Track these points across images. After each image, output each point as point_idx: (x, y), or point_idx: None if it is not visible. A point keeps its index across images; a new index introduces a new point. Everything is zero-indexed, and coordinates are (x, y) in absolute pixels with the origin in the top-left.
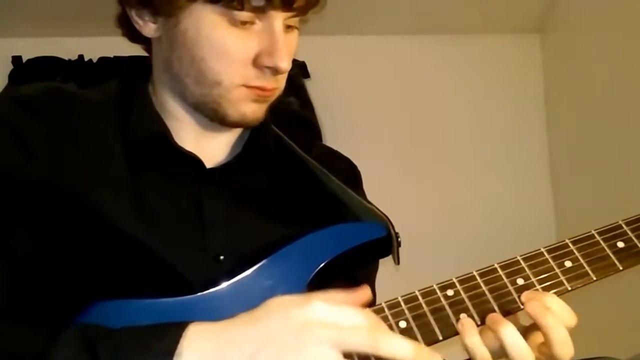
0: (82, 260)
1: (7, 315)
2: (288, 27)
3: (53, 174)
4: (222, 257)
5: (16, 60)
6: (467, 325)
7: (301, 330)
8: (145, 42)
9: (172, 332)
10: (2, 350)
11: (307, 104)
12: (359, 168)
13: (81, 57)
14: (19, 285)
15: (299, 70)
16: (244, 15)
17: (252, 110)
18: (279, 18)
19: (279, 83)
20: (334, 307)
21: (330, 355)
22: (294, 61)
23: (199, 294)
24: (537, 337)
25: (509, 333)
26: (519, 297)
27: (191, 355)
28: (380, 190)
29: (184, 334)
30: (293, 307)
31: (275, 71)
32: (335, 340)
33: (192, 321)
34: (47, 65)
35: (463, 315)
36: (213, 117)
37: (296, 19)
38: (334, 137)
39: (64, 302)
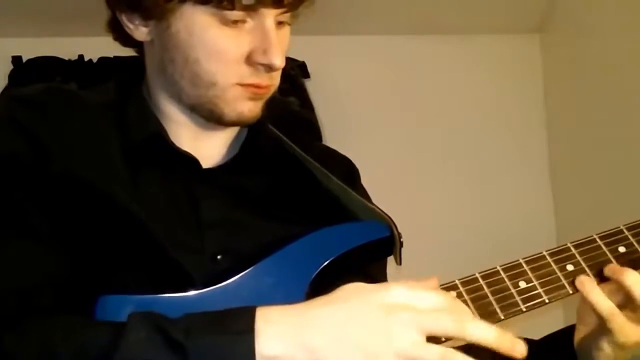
0: (87, 253)
1: (52, 307)
2: (279, 24)
3: (66, 167)
4: (219, 257)
5: (16, 60)
6: (586, 282)
7: (387, 312)
8: (137, 45)
9: (243, 313)
10: (69, 341)
11: (307, 104)
12: (359, 168)
13: (81, 57)
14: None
15: (299, 70)
16: (235, 14)
17: (249, 108)
18: (270, 15)
19: (274, 80)
20: (413, 291)
21: (417, 339)
22: (294, 61)
23: (200, 290)
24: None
25: (631, 277)
26: (521, 300)
27: (271, 333)
28: (379, 190)
29: (255, 315)
30: (372, 290)
31: (269, 68)
32: (420, 323)
33: (255, 305)
34: (47, 65)
35: (580, 276)
36: (210, 117)
37: (287, 15)
38: (334, 137)
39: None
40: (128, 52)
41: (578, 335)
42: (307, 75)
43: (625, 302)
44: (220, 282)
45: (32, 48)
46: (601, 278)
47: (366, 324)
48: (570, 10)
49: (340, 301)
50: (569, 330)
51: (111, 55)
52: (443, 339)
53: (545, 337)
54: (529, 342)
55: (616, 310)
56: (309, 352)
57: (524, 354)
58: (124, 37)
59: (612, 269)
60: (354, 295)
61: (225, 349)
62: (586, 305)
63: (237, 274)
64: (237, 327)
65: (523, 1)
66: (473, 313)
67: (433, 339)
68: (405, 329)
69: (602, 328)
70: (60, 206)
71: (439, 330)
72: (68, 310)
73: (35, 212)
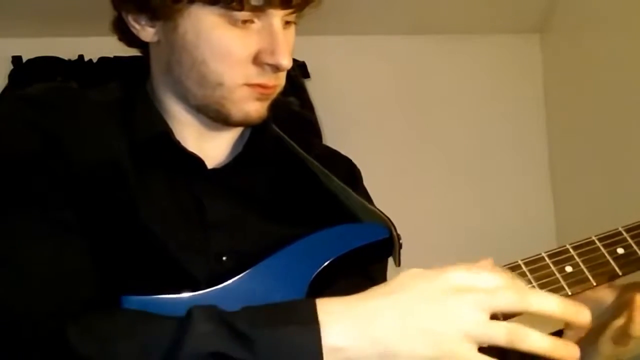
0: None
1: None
2: (286, 23)
3: (76, 164)
4: (224, 258)
5: (16, 60)
6: None
7: (448, 296)
8: (143, 46)
9: (304, 305)
10: (135, 333)
11: (307, 104)
12: (359, 168)
13: (81, 57)
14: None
15: (299, 70)
16: (243, 14)
17: (255, 108)
18: (277, 16)
19: (280, 80)
20: (471, 272)
21: (482, 318)
22: (294, 61)
23: (202, 292)
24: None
25: None
26: None
27: (335, 324)
28: (379, 191)
29: (315, 306)
30: (432, 276)
31: (276, 69)
32: (484, 302)
33: (311, 298)
34: (47, 65)
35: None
36: (216, 117)
37: (294, 15)
38: (334, 137)
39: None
40: (128, 52)
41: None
42: (307, 75)
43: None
44: (223, 283)
45: (32, 48)
46: (604, 280)
47: (429, 310)
48: (570, 10)
49: (401, 289)
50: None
51: (111, 55)
52: (501, 318)
53: None
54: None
55: None
56: (375, 343)
57: (588, 320)
58: (129, 38)
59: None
60: (414, 282)
61: (292, 339)
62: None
63: (239, 275)
64: (302, 318)
65: (523, 1)
66: None
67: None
68: (469, 310)
69: (589, 338)
70: (80, 201)
71: (503, 306)
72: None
73: (64, 206)
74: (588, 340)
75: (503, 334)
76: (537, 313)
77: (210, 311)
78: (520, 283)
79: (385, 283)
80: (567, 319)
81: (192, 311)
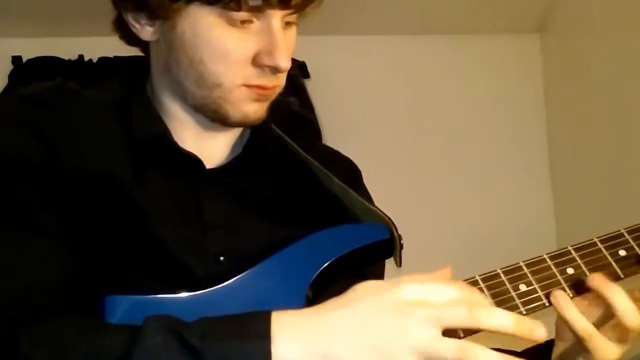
0: (93, 252)
1: (63, 307)
2: (286, 24)
3: (76, 164)
4: (222, 258)
5: (16, 60)
6: (561, 297)
7: (398, 311)
8: (143, 44)
9: (258, 318)
10: (84, 344)
11: (307, 104)
12: (359, 168)
13: (81, 57)
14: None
15: (299, 70)
16: (242, 15)
17: (254, 109)
18: (277, 16)
19: (279, 81)
20: (425, 285)
21: (432, 334)
22: (294, 61)
23: (201, 292)
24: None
25: (618, 295)
26: (521, 303)
27: (287, 339)
28: (379, 191)
29: (270, 319)
30: (384, 290)
31: (275, 70)
32: (433, 317)
33: (269, 309)
34: (47, 65)
35: (556, 290)
36: (214, 118)
37: (294, 15)
38: (334, 137)
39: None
40: (128, 52)
41: (556, 351)
42: (307, 75)
43: (605, 317)
44: (222, 283)
45: (32, 48)
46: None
47: (380, 325)
48: (570, 10)
49: (353, 303)
50: (549, 345)
51: (111, 55)
52: (461, 334)
53: (526, 349)
54: (510, 353)
55: (593, 330)
56: (324, 358)
57: (544, 336)
58: (129, 37)
59: (596, 280)
60: (366, 296)
61: (241, 353)
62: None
63: (239, 275)
64: (254, 332)
65: (523, 1)
66: None
67: (451, 334)
68: (420, 325)
69: (580, 345)
70: (70, 204)
71: (453, 322)
72: (77, 310)
73: (46, 211)
74: (576, 350)
75: (452, 351)
76: (489, 329)
77: (164, 322)
78: (477, 298)
79: (341, 295)
80: (521, 336)
81: (145, 321)
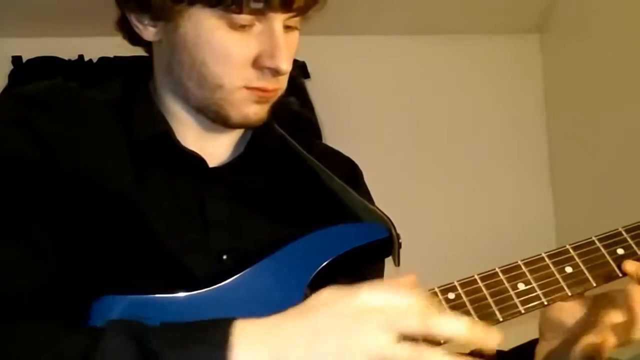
0: (92, 252)
1: (36, 311)
2: (288, 28)
3: (71, 166)
4: (225, 257)
5: (16, 60)
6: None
7: (353, 317)
8: (146, 45)
9: (220, 326)
10: (47, 346)
11: (307, 104)
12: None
13: (81, 57)
14: (43, 279)
15: (299, 70)
16: (243, 18)
17: (255, 111)
18: (278, 19)
19: (280, 83)
20: (382, 293)
21: (386, 340)
22: (294, 61)
23: (200, 291)
24: (612, 318)
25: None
26: (520, 302)
27: (245, 349)
28: (379, 191)
29: (232, 328)
30: (341, 296)
31: (276, 72)
32: (388, 324)
33: (234, 317)
34: (47, 65)
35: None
36: (216, 119)
37: (296, 19)
38: (334, 137)
39: (73, 297)
40: (128, 52)
41: (542, 350)
42: (307, 75)
43: (594, 321)
44: (222, 282)
45: (32, 48)
46: (604, 280)
47: (335, 331)
48: (570, 10)
49: (311, 310)
50: (533, 344)
51: (111, 55)
52: (442, 341)
53: (512, 348)
54: (498, 353)
55: None
56: None
57: (497, 343)
58: (132, 37)
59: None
60: (324, 303)
61: None
62: (547, 321)
63: (239, 274)
64: (213, 340)
65: (523, 1)
66: (471, 315)
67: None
68: (374, 331)
69: (567, 344)
70: (67, 207)
71: (407, 328)
72: (64, 314)
73: (35, 215)
74: (560, 353)
75: (407, 356)
76: (443, 337)
77: (126, 326)
78: (429, 305)
79: (301, 304)
80: (475, 342)
81: (107, 325)
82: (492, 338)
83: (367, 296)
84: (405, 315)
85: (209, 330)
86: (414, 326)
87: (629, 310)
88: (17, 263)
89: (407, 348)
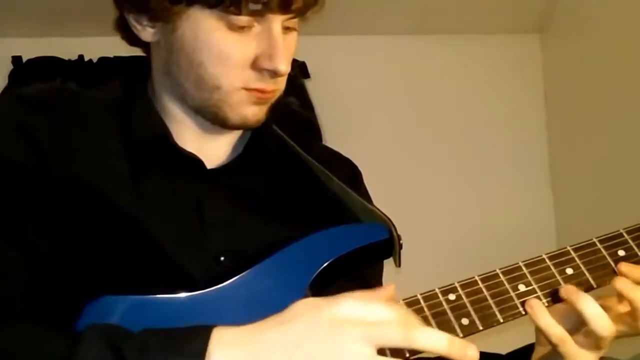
0: (89, 254)
1: (23, 314)
2: (287, 29)
3: (65, 169)
4: (222, 258)
5: (16, 60)
6: (536, 306)
7: (334, 328)
8: (144, 45)
9: (198, 334)
10: (26, 350)
11: (307, 104)
12: (359, 168)
13: (81, 57)
14: (34, 282)
15: (299, 70)
16: (242, 19)
17: (253, 112)
18: (277, 21)
19: (279, 85)
20: (363, 304)
21: (366, 352)
22: (294, 61)
23: (199, 292)
24: (617, 308)
25: (588, 304)
26: (520, 303)
27: (222, 356)
28: (379, 191)
29: (210, 336)
30: (321, 307)
31: (274, 74)
32: (369, 336)
33: (214, 325)
34: (47, 65)
35: (531, 299)
36: (214, 120)
37: (295, 20)
38: (334, 137)
39: (70, 298)
40: (128, 52)
41: (535, 356)
42: (307, 75)
43: (579, 324)
44: (220, 284)
45: (32, 48)
46: (605, 282)
47: (315, 341)
48: (570, 10)
49: (290, 321)
50: (530, 348)
51: (111, 55)
52: (407, 355)
53: (508, 353)
54: (493, 356)
55: (566, 337)
56: None
57: (476, 358)
58: (130, 37)
59: (567, 290)
60: (302, 314)
61: None
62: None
63: (237, 276)
64: (191, 349)
65: (523, 1)
66: (472, 316)
67: (399, 354)
68: (354, 343)
69: (557, 350)
70: (64, 208)
71: (386, 341)
72: (65, 312)
73: (25, 218)
74: (555, 357)
75: None
76: (423, 349)
77: (104, 332)
78: (412, 319)
79: (280, 313)
80: (455, 357)
81: (85, 331)
82: (471, 353)
83: (347, 307)
84: (387, 326)
85: (186, 338)
86: (395, 338)
87: (629, 301)
88: (8, 265)
89: None
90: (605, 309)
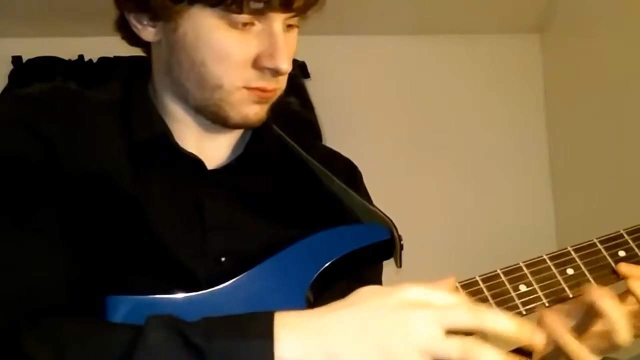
0: (93, 254)
1: (60, 304)
2: (288, 27)
3: (70, 167)
4: (223, 259)
5: (16, 60)
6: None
7: (404, 310)
8: (145, 45)
9: (262, 318)
10: (91, 341)
11: (307, 104)
12: (359, 168)
13: (81, 57)
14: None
15: (299, 70)
16: (243, 17)
17: (254, 111)
18: (278, 19)
19: (280, 83)
20: (427, 289)
21: (436, 333)
22: (294, 61)
23: (200, 292)
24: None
25: (605, 299)
26: (521, 303)
27: (289, 338)
28: (379, 191)
29: (274, 319)
30: (388, 291)
31: (275, 72)
32: (440, 318)
33: (273, 310)
34: (47, 65)
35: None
36: (215, 119)
37: (296, 18)
38: (334, 137)
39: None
40: (128, 52)
41: (537, 355)
42: (307, 75)
43: (584, 324)
44: (222, 284)
45: (32, 48)
46: (605, 282)
47: (384, 324)
48: (570, 10)
49: (357, 304)
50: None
51: (111, 55)
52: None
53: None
54: None
55: (569, 338)
56: (328, 357)
57: (543, 342)
58: (131, 37)
59: (596, 294)
60: (370, 298)
61: (245, 353)
62: (542, 328)
63: (239, 276)
64: (257, 332)
65: (523, 1)
66: None
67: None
68: (423, 325)
69: (557, 352)
70: (69, 206)
71: (457, 322)
72: (78, 310)
73: (44, 210)
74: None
75: (456, 350)
76: (491, 331)
77: (167, 321)
78: (477, 304)
79: (344, 298)
80: (522, 339)
81: (148, 320)
82: (538, 337)
83: (414, 291)
84: (456, 309)
85: (250, 322)
86: (465, 320)
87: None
88: (33, 255)
89: (457, 342)
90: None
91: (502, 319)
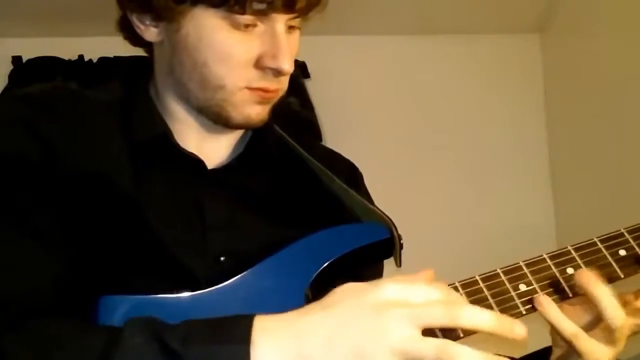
0: (92, 254)
1: (53, 306)
2: (290, 28)
3: (72, 167)
4: (222, 259)
5: (16, 60)
6: (545, 302)
7: (378, 311)
8: (147, 45)
9: (241, 322)
10: (67, 344)
11: (307, 104)
12: (359, 168)
13: (81, 57)
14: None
15: (299, 70)
16: (246, 18)
17: (256, 112)
18: (280, 20)
19: (282, 84)
20: (406, 286)
21: (411, 333)
22: (294, 61)
23: (199, 292)
24: (635, 303)
25: (604, 294)
26: (521, 302)
27: (267, 343)
28: (379, 191)
29: (253, 324)
30: (364, 290)
31: (277, 73)
32: (414, 317)
33: (254, 313)
34: (47, 65)
35: (539, 296)
36: (217, 119)
37: (298, 20)
38: (334, 137)
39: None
40: (128, 52)
41: (554, 357)
42: (307, 75)
43: (595, 319)
44: (221, 283)
45: (32, 48)
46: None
47: (359, 326)
48: (570, 10)
49: (332, 305)
50: (547, 351)
51: (111, 55)
52: (461, 334)
53: (524, 356)
54: None
55: (579, 331)
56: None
57: (523, 334)
58: (133, 37)
59: (584, 276)
60: (345, 298)
61: (221, 358)
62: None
63: (238, 275)
64: (235, 337)
65: (523, 1)
66: None
67: (451, 334)
68: (399, 325)
69: (573, 349)
70: (68, 206)
71: (432, 320)
72: (71, 311)
73: (40, 212)
74: (570, 357)
75: (431, 350)
76: (468, 328)
77: (146, 323)
78: (456, 296)
79: (322, 299)
80: (501, 334)
81: (127, 323)
82: (518, 329)
83: (390, 289)
84: (431, 306)
85: (229, 327)
86: (439, 317)
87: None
88: (32, 256)
89: (432, 341)
90: (622, 303)
91: (478, 315)
